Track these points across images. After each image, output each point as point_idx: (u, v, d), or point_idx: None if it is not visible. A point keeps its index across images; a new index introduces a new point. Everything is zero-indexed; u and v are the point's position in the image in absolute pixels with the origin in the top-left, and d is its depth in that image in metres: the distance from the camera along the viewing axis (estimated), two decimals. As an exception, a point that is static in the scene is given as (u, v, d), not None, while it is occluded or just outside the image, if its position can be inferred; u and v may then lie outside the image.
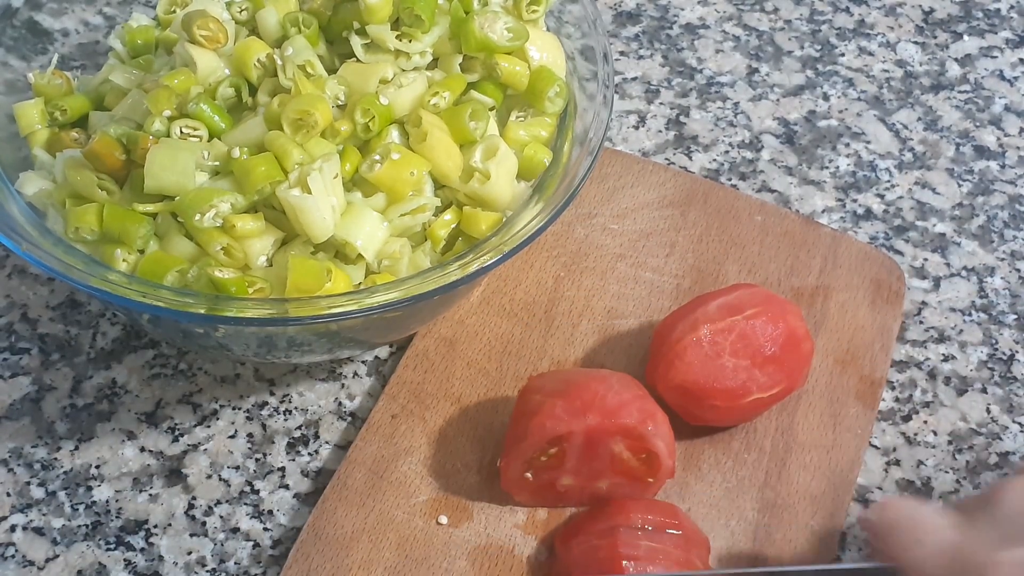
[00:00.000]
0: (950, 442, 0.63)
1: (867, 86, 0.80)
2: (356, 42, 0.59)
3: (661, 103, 0.78)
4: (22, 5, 0.63)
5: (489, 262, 0.52)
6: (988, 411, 0.64)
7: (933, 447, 0.63)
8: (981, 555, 0.47)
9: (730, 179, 0.74)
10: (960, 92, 0.80)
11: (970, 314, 0.68)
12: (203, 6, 0.60)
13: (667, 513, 0.55)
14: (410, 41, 0.59)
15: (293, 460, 0.61)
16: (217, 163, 0.55)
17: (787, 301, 0.61)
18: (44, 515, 0.58)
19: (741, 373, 0.58)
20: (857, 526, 0.59)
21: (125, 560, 0.57)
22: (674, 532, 0.55)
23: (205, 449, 0.61)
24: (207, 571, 0.57)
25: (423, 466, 0.59)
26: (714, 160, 0.75)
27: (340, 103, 0.57)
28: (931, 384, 0.65)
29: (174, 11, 0.62)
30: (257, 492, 0.59)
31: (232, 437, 0.61)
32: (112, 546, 0.57)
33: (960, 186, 0.75)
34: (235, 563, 0.57)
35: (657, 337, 0.61)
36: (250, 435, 0.61)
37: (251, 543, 0.58)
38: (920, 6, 0.86)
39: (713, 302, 0.60)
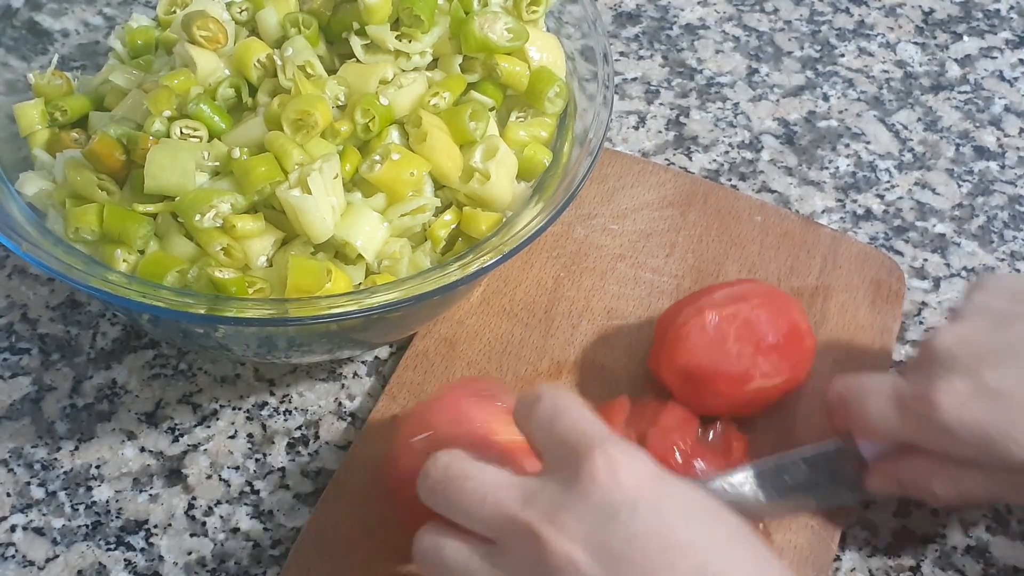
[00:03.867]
0: (950, 442, 0.63)
1: (867, 87, 0.80)
2: (356, 42, 0.59)
3: (661, 103, 0.78)
4: (22, 5, 0.63)
5: (489, 262, 0.52)
6: (988, 411, 0.64)
7: (933, 447, 0.62)
8: (922, 391, 0.50)
9: (730, 179, 0.74)
10: (960, 92, 0.80)
11: (970, 314, 0.68)
12: (203, 6, 0.60)
13: None
14: (410, 41, 0.59)
15: (293, 460, 0.61)
16: (217, 163, 0.55)
17: (790, 296, 0.61)
18: (44, 515, 0.58)
19: (745, 359, 0.58)
20: (857, 526, 0.59)
21: (125, 560, 0.57)
22: None
23: (205, 449, 0.61)
24: (207, 571, 0.57)
25: (423, 466, 0.59)
26: (714, 160, 0.75)
27: (340, 103, 0.57)
28: (931, 384, 0.65)
29: (174, 11, 0.62)
30: (257, 492, 0.59)
31: (232, 437, 0.61)
32: (112, 546, 0.57)
33: (960, 186, 0.75)
34: (235, 563, 0.57)
35: (661, 324, 0.61)
36: (250, 435, 0.61)
37: (251, 543, 0.58)
38: (920, 7, 0.86)
39: (718, 292, 0.60)
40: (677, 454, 0.56)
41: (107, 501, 0.59)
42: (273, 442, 0.61)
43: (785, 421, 0.61)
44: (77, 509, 0.58)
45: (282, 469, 0.60)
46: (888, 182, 0.75)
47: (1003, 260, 0.71)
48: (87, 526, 0.58)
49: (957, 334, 0.52)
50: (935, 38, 0.84)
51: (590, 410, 0.46)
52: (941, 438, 0.50)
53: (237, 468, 0.60)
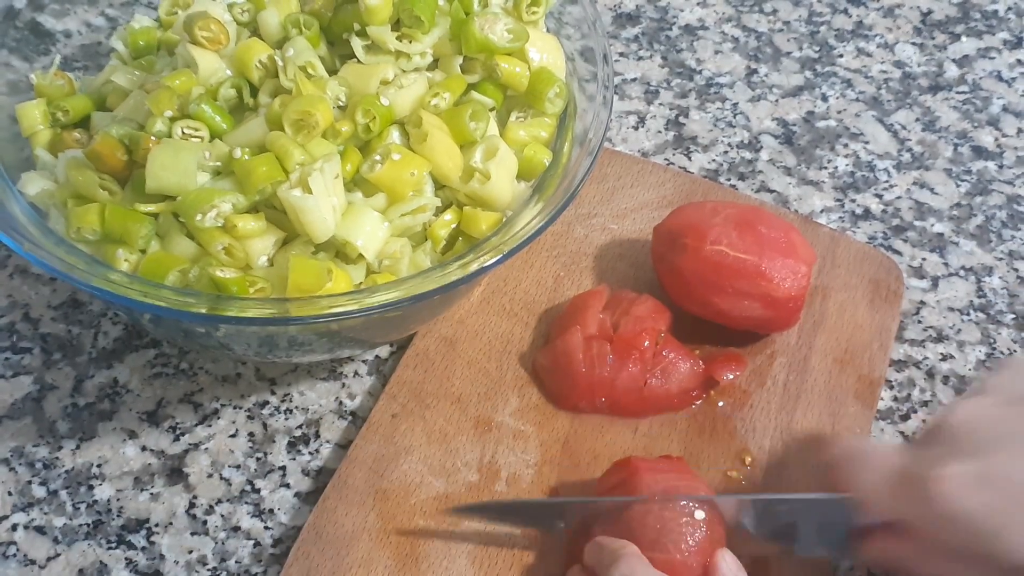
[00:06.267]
0: (948, 441, 0.63)
1: (865, 87, 0.81)
2: (357, 43, 0.59)
3: (660, 104, 0.78)
4: (25, 6, 0.63)
5: (489, 262, 0.53)
6: (986, 410, 0.64)
7: (931, 446, 0.63)
8: (924, 471, 0.48)
9: (729, 179, 0.74)
10: (958, 93, 0.81)
11: (968, 313, 0.69)
12: (205, 7, 0.60)
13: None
14: (410, 42, 0.59)
15: (294, 459, 0.61)
16: (218, 163, 0.55)
17: (794, 226, 0.63)
18: (46, 514, 0.58)
19: (718, 229, 0.61)
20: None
21: (126, 559, 0.57)
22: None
23: (206, 448, 0.61)
24: (208, 570, 0.57)
25: (423, 465, 0.59)
26: (713, 160, 0.75)
27: (341, 104, 0.57)
28: (929, 383, 0.65)
29: (176, 12, 0.62)
30: (258, 491, 0.60)
31: (233, 436, 0.61)
32: (113, 545, 0.58)
33: (958, 186, 0.75)
34: (236, 562, 0.57)
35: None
36: (251, 434, 0.62)
37: (252, 542, 0.58)
38: (918, 7, 0.87)
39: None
40: (646, 341, 0.60)
41: (108, 500, 0.59)
42: (274, 441, 0.61)
43: (783, 421, 0.62)
44: (78, 508, 0.59)
45: (283, 468, 0.60)
46: (887, 182, 0.75)
47: (1001, 259, 0.71)
48: (88, 525, 0.58)
49: (971, 411, 0.49)
50: (933, 39, 0.84)
51: None
52: (938, 524, 0.47)
53: (238, 467, 0.60)
